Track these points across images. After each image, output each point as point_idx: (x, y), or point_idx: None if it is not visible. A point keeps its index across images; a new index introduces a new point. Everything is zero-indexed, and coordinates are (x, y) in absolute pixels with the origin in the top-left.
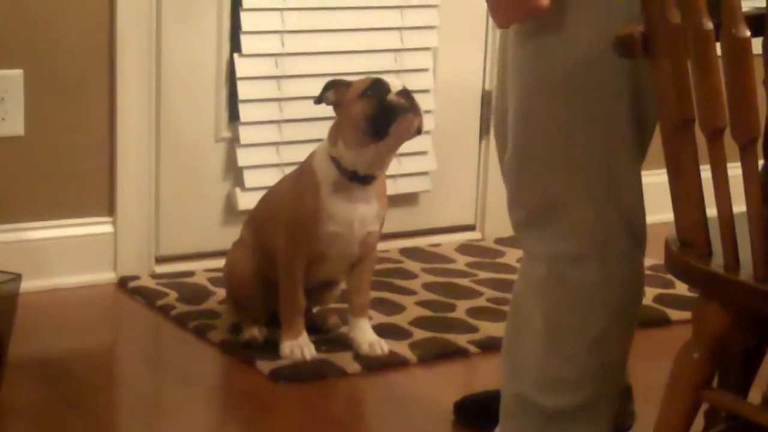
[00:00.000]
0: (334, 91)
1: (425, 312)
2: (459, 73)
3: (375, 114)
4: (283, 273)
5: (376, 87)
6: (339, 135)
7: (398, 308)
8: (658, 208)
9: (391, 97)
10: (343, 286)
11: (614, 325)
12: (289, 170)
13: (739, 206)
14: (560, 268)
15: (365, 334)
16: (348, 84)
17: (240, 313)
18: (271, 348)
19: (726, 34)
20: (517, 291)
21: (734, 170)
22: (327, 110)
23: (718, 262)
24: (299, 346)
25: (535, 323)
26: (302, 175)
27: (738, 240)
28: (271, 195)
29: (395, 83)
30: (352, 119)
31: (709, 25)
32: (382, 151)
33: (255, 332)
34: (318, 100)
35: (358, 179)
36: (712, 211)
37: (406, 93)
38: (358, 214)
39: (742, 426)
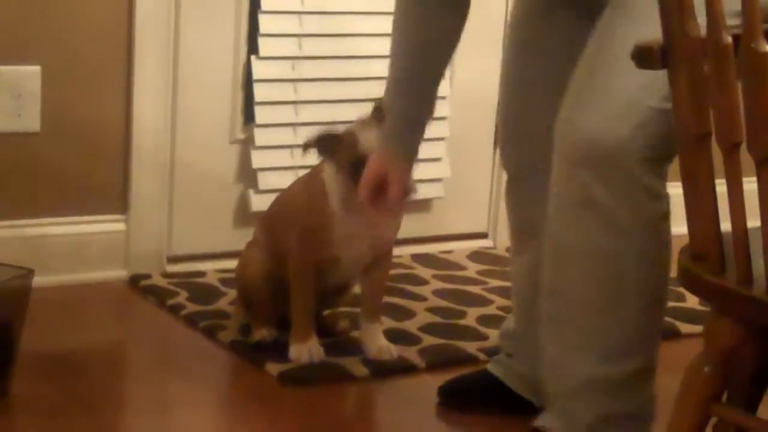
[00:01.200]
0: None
1: (435, 318)
2: (474, 80)
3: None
4: (294, 276)
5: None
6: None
7: (408, 314)
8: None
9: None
10: (356, 290)
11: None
12: (303, 173)
13: (752, 221)
14: None
15: (375, 339)
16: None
17: (250, 313)
18: (280, 350)
19: (745, 48)
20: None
21: (749, 185)
22: (342, 114)
23: (731, 277)
24: (308, 350)
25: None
26: (313, 179)
27: (751, 255)
28: (284, 197)
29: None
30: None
31: (728, 38)
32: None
33: (264, 333)
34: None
35: None
36: (726, 225)
37: None
38: (369, 219)
39: None
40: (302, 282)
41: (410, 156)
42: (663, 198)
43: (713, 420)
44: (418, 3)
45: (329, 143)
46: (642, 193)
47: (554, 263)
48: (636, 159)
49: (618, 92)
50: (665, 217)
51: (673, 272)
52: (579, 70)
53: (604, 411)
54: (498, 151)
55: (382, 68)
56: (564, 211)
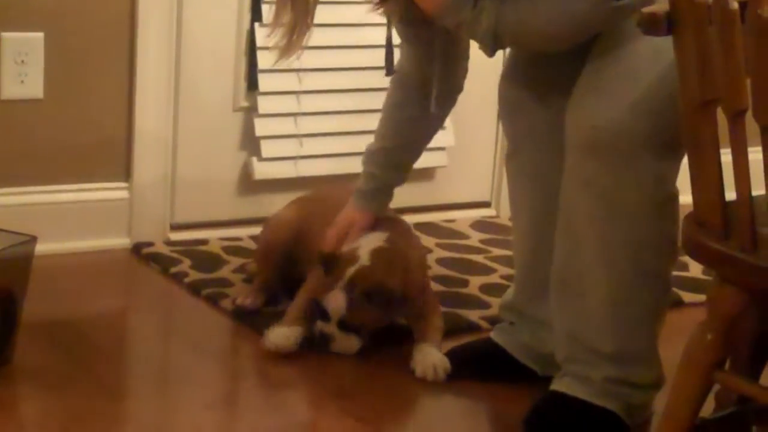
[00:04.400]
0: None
1: (438, 287)
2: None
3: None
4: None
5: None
6: None
7: None
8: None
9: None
10: None
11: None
12: (306, 141)
13: (756, 191)
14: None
15: (422, 358)
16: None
17: (259, 271)
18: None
19: (751, 14)
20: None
21: (753, 155)
22: (345, 82)
23: (735, 244)
24: (283, 335)
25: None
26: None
27: (755, 222)
28: (326, 208)
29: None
30: None
31: (735, 4)
32: None
33: (248, 301)
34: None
35: None
36: (730, 195)
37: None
38: None
39: (753, 409)
40: (314, 287)
41: (374, 214)
42: (672, 184)
43: (716, 387)
44: (398, 106)
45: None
46: (651, 180)
47: (565, 243)
48: (646, 146)
49: (630, 81)
50: (673, 200)
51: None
52: (589, 62)
53: (619, 375)
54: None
55: (384, 36)
56: (574, 197)
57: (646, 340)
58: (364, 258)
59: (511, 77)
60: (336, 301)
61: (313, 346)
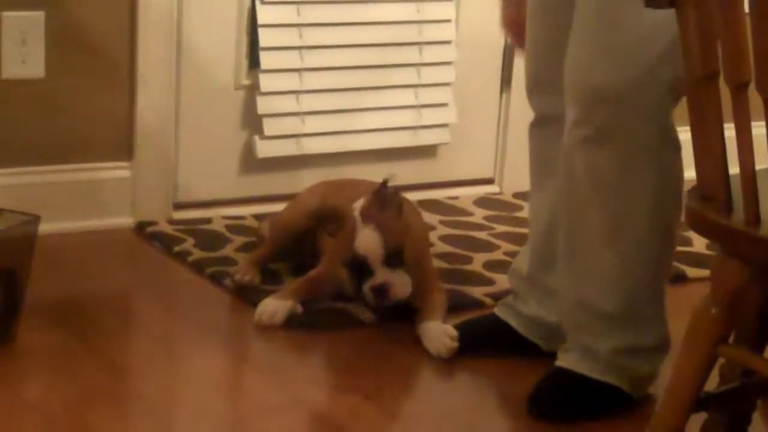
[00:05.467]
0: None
1: (442, 264)
2: (481, 24)
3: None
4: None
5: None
6: None
7: None
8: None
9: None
10: None
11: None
12: (308, 119)
13: (760, 164)
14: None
15: (430, 335)
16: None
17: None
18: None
19: None
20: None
21: (757, 129)
22: (347, 59)
23: (738, 218)
24: (274, 308)
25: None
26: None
27: (759, 196)
28: (346, 201)
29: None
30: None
31: None
32: None
33: (248, 278)
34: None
35: None
36: (733, 169)
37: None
38: None
39: (757, 382)
40: (326, 273)
41: None
42: (674, 135)
43: (720, 361)
44: None
45: (333, 223)
46: (655, 132)
47: (569, 202)
48: (648, 100)
49: (628, 33)
50: (676, 152)
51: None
52: (582, 14)
53: (625, 343)
54: (504, 96)
55: (388, 13)
56: (577, 155)
57: (652, 300)
58: (358, 206)
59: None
60: (365, 238)
61: (322, 328)
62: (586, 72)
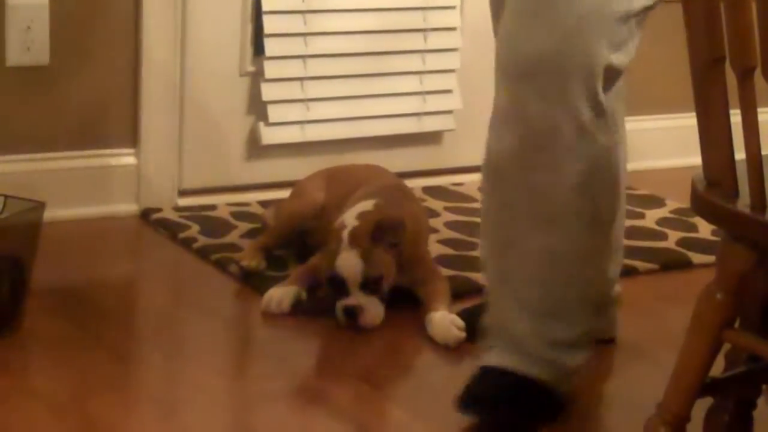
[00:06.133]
0: None
1: (447, 250)
2: (486, 10)
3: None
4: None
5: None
6: None
7: None
8: (682, 152)
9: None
10: None
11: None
12: (313, 105)
13: (766, 149)
14: None
15: (436, 327)
16: None
17: (264, 237)
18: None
19: None
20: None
21: (762, 115)
22: (352, 46)
23: (744, 202)
24: (280, 296)
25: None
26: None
27: (765, 181)
28: (349, 188)
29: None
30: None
31: None
32: None
33: (254, 264)
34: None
35: None
36: (739, 155)
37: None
38: None
39: (763, 367)
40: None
41: None
42: (607, 118)
43: (726, 346)
44: None
45: (321, 237)
46: (590, 111)
47: (491, 188)
48: (586, 73)
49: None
50: (609, 135)
51: (685, 202)
52: None
53: (551, 336)
54: None
55: (393, 0)
56: (502, 131)
57: (579, 295)
58: (350, 222)
59: None
60: (347, 261)
61: (327, 315)
62: (521, 42)
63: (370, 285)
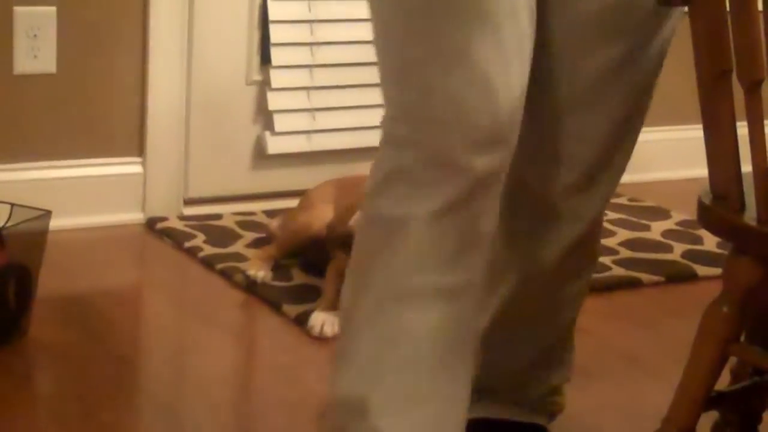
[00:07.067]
0: None
1: None
2: None
3: None
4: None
5: None
6: None
7: None
8: (688, 164)
9: None
10: None
11: None
12: (319, 115)
13: None
14: None
15: None
16: None
17: (272, 247)
18: (297, 292)
19: None
20: None
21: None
22: (359, 56)
23: (750, 215)
24: (331, 322)
25: None
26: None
27: None
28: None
29: None
30: None
31: None
32: None
33: (262, 274)
34: None
35: None
36: (745, 167)
37: None
38: None
39: None
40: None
41: None
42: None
43: (732, 360)
44: None
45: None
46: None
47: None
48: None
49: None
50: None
51: (690, 214)
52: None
53: (550, 385)
54: None
55: None
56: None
57: (566, 343)
58: None
59: None
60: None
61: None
62: None
63: None
